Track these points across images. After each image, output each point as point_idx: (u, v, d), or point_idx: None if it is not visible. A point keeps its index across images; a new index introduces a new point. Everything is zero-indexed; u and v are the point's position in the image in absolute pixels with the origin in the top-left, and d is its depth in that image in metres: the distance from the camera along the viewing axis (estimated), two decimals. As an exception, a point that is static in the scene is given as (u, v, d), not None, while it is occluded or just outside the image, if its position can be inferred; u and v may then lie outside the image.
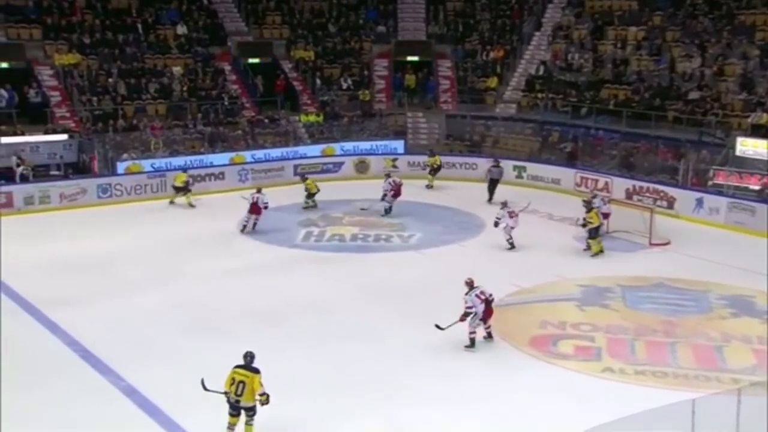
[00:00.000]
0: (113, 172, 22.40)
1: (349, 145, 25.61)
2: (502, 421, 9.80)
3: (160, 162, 22.98)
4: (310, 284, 14.61)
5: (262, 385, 9.00)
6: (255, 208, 18.44)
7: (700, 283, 14.89)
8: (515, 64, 28.51)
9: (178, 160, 23.17)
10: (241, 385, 9.05)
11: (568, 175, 23.06)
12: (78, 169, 22.54)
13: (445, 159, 24.96)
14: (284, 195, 22.40)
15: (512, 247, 16.91)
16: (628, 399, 9.84)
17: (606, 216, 17.80)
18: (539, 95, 26.69)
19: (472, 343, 11.90)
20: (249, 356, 9.27)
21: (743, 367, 11.32)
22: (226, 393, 9.15)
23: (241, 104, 26.37)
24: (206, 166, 23.46)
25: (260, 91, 27.22)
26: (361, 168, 24.90)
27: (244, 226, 18.39)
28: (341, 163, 25.02)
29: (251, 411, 9.21)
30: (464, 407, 10.16)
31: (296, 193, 22.48)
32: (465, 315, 11.78)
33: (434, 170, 23.62)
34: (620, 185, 21.48)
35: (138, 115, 24.46)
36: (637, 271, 15.66)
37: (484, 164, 24.78)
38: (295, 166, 24.55)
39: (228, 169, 23.64)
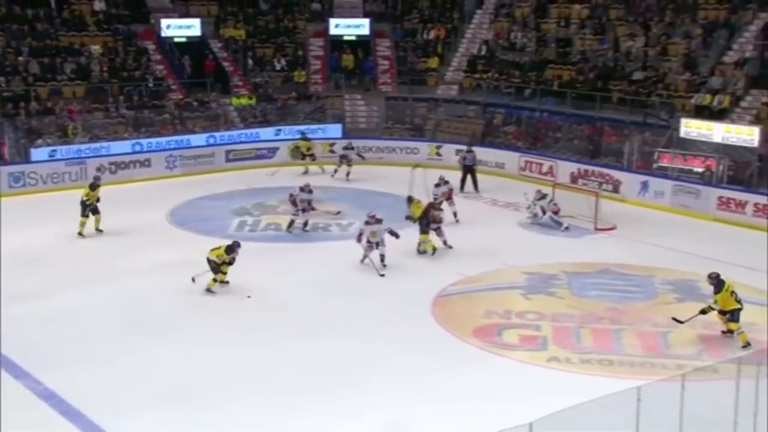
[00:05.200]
0: (27, 160, 21.79)
1: (283, 130, 25.41)
2: (445, 413, 9.95)
3: (79, 148, 22.44)
4: (253, 277, 14.43)
5: None
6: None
7: (646, 268, 15.36)
8: (457, 44, 28.72)
9: (99, 146, 22.73)
10: None
11: (512, 159, 23.43)
12: (-13, 157, 21.82)
13: (385, 144, 25.10)
14: (216, 183, 22.23)
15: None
16: (573, 388, 10.09)
17: None
18: (483, 76, 26.93)
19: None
20: None
21: (688, 353, 11.73)
22: None
23: (168, 86, 25.93)
24: (131, 153, 23.06)
25: (188, 72, 26.80)
26: (297, 154, 24.75)
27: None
28: (276, 149, 24.84)
29: None
30: (405, 401, 10.27)
31: (228, 181, 22.35)
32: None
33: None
34: (565, 169, 21.93)
35: (53, 98, 23.79)
36: (583, 257, 16.05)
37: (425, 148, 25.08)
38: (227, 152, 24.34)
39: (154, 156, 23.26)
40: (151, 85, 25.42)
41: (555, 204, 18.30)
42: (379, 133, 26.50)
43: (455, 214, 18.40)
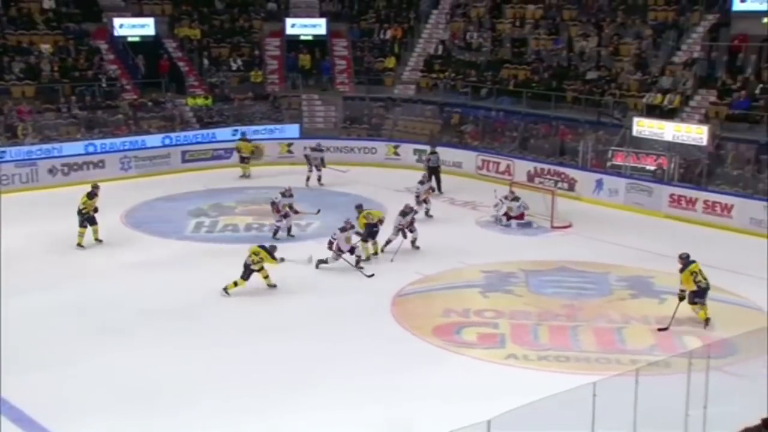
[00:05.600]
0: (-25, 161, 21.33)
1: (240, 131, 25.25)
2: (404, 411, 10.00)
3: (30, 149, 21.99)
4: (213, 278, 14.21)
5: None
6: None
7: (601, 265, 15.62)
8: (413, 44, 28.80)
9: (51, 148, 22.35)
10: None
11: (469, 158, 23.61)
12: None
13: (343, 143, 25.11)
14: (172, 184, 22.00)
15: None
16: (531, 385, 10.18)
17: None
18: (439, 75, 27.06)
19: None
20: None
21: (642, 348, 11.99)
22: None
23: (121, 86, 25.56)
24: (84, 154, 22.67)
25: (142, 72, 26.46)
26: (255, 154, 24.56)
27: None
28: (233, 150, 24.48)
29: None
30: (365, 400, 10.31)
31: (184, 182, 22.15)
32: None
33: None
34: (522, 168, 22.18)
35: (1, 98, 23.29)
36: (540, 255, 16.23)
37: (383, 148, 25.16)
38: (183, 153, 24.10)
39: (108, 157, 22.91)
40: (104, 85, 24.99)
41: (527, 207, 18.43)
42: (336, 133, 26.44)
43: (428, 211, 18.80)
